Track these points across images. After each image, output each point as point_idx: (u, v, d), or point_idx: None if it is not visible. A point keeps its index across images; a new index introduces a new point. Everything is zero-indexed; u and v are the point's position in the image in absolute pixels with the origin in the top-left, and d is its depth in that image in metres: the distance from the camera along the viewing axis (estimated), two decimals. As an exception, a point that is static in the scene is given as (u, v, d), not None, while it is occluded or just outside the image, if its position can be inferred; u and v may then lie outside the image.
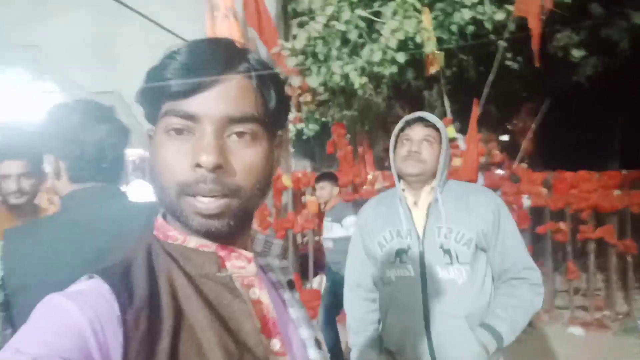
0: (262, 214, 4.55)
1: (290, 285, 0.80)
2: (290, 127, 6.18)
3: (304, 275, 5.02)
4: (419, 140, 1.66)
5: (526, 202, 4.80)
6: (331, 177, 4.16)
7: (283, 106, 0.69)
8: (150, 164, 0.65)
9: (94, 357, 0.52)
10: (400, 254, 1.66)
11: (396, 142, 1.73)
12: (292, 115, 5.26)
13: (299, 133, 9.61)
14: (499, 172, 5.33)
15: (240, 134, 0.62)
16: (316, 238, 6.11)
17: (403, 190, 1.73)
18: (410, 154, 1.64)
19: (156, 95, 0.63)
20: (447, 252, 1.60)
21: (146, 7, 4.47)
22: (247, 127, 0.62)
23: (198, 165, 0.59)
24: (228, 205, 0.61)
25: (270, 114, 0.66)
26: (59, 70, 5.04)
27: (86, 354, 0.51)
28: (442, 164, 1.66)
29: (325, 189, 4.11)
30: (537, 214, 4.84)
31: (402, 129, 1.70)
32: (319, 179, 4.14)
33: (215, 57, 0.63)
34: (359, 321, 1.80)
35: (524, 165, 5.36)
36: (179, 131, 0.61)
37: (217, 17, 4.37)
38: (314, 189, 4.87)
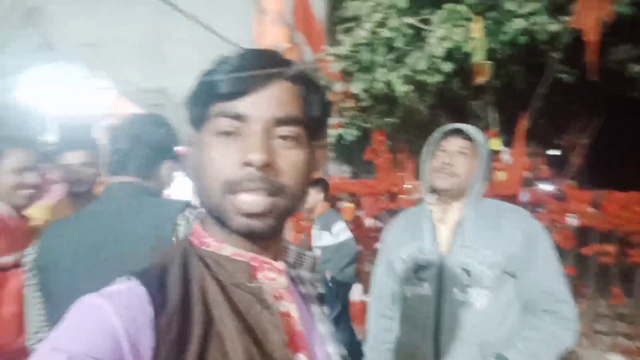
0: (297, 218, 4.56)
1: (320, 299, 0.81)
2: (331, 131, 6.19)
3: (336, 281, 4.99)
4: (453, 153, 1.56)
5: (572, 221, 4.60)
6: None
7: (325, 114, 0.71)
8: (195, 166, 0.67)
9: (126, 358, 0.53)
10: (418, 270, 1.57)
11: (431, 153, 1.64)
12: (334, 120, 5.26)
13: (339, 138, 9.62)
14: (546, 187, 5.13)
15: (285, 136, 0.64)
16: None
17: (431, 204, 1.64)
18: (443, 167, 1.55)
19: (207, 97, 0.66)
20: (468, 273, 1.48)
21: (197, 10, 4.60)
22: (292, 130, 0.65)
23: (247, 164, 0.61)
24: (272, 204, 0.62)
25: (313, 119, 0.69)
26: (113, 67, 5.25)
27: (119, 355, 0.53)
28: (477, 178, 1.55)
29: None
30: (583, 235, 4.63)
31: (437, 140, 1.62)
32: None
33: (264, 64, 0.66)
34: (374, 338, 1.72)
35: (573, 182, 5.14)
36: (227, 132, 0.63)
37: (264, 21, 4.43)
38: (350, 196, 4.85)
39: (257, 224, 0.63)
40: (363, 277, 4.82)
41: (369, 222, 5.47)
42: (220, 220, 0.64)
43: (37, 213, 2.00)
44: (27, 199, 1.79)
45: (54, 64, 6.79)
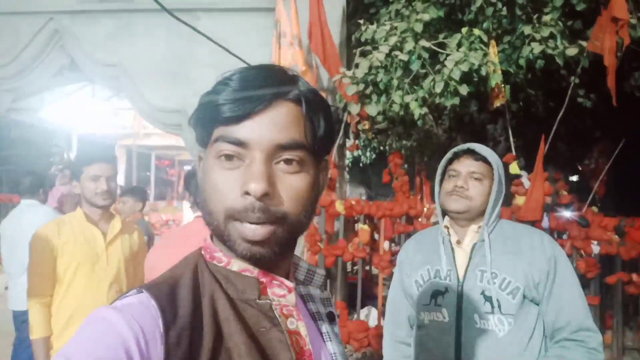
0: (313, 238, 4.54)
1: (330, 317, 0.79)
2: (348, 154, 6.20)
3: (351, 305, 4.92)
4: (466, 175, 1.52)
5: (595, 248, 4.46)
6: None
7: (331, 133, 0.70)
8: (201, 188, 0.67)
9: None
10: (436, 295, 1.52)
11: (444, 174, 1.61)
12: (350, 142, 5.26)
13: (356, 160, 9.61)
14: (567, 213, 5.01)
15: (288, 161, 0.63)
16: (366, 267, 6.01)
17: (446, 227, 1.59)
18: (456, 190, 1.51)
19: (208, 120, 0.65)
20: (488, 299, 1.43)
21: (217, 32, 4.71)
22: (296, 154, 0.64)
23: (247, 193, 0.60)
24: (274, 233, 0.62)
25: (318, 141, 0.67)
26: (134, 88, 5.37)
27: None
28: (493, 201, 1.51)
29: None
30: (607, 262, 4.48)
31: (449, 161, 1.58)
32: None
33: (267, 84, 0.64)
34: None
35: (595, 208, 5.01)
36: (229, 157, 0.63)
37: (282, 43, 4.50)
38: (366, 217, 4.81)
39: (260, 251, 0.62)
40: (381, 302, 4.74)
41: (385, 245, 5.41)
42: (225, 244, 0.65)
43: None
44: (104, 201, 2.28)
45: (77, 85, 7.00)
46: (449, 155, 1.60)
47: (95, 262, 2.30)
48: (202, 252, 0.70)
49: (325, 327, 0.77)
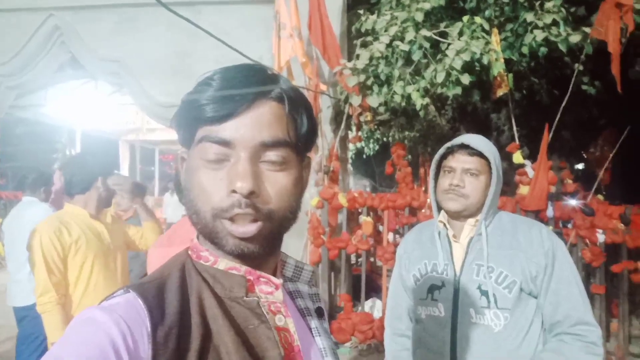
0: (316, 231, 4.54)
1: (319, 313, 0.80)
2: (350, 146, 6.18)
3: (355, 297, 4.92)
4: (461, 171, 1.47)
5: (601, 237, 4.42)
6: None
7: (313, 130, 0.71)
8: (186, 188, 0.67)
9: None
10: (432, 290, 1.50)
11: (439, 169, 1.57)
12: (352, 134, 5.24)
13: (359, 152, 9.58)
14: (573, 202, 4.97)
15: (272, 159, 0.64)
16: (371, 259, 6.01)
17: (442, 222, 1.55)
18: (451, 188, 1.47)
19: (191, 120, 0.66)
20: (484, 293, 1.41)
21: (219, 26, 4.68)
22: (280, 153, 0.65)
23: (234, 191, 0.61)
24: (261, 229, 0.63)
25: (301, 138, 0.68)
26: (136, 84, 5.36)
27: None
28: (491, 198, 1.46)
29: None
30: (612, 251, 4.45)
31: (444, 156, 1.53)
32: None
33: (248, 83, 0.65)
34: (392, 357, 1.65)
35: (600, 197, 4.97)
36: (214, 158, 0.63)
37: (282, 35, 4.48)
38: (369, 209, 4.80)
39: (248, 246, 0.63)
40: (385, 294, 4.74)
41: (390, 236, 5.41)
42: (213, 242, 0.65)
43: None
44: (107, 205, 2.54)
45: (79, 81, 7.01)
46: (442, 150, 1.55)
47: (108, 255, 2.37)
48: (189, 252, 0.70)
49: (314, 323, 0.77)
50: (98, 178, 2.39)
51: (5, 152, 9.02)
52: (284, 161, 0.65)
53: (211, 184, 0.63)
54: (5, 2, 5.51)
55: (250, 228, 0.62)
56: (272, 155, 0.64)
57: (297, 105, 0.68)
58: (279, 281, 0.69)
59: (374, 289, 5.35)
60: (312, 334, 0.75)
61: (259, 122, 0.63)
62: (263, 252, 0.65)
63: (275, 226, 0.64)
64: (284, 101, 0.66)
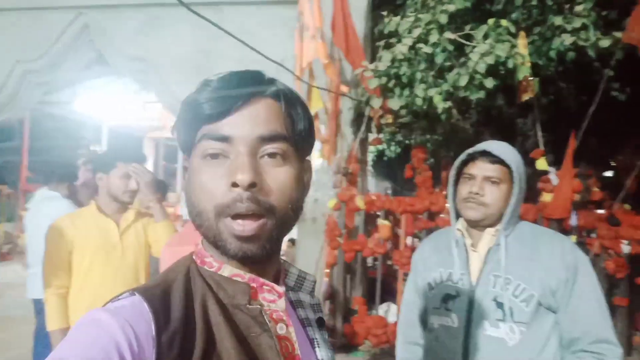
0: (332, 233, 4.52)
1: (320, 323, 0.80)
2: (371, 148, 6.13)
3: (370, 300, 4.89)
4: (482, 179, 1.43)
5: (625, 248, 4.29)
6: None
7: (310, 130, 0.72)
8: (188, 191, 0.68)
9: None
10: (446, 300, 1.46)
11: (458, 176, 1.52)
12: (372, 136, 5.20)
13: (380, 154, 9.51)
14: (598, 211, 4.83)
15: (272, 154, 0.65)
16: (388, 262, 5.95)
17: (460, 230, 1.51)
18: (471, 196, 1.43)
19: (191, 120, 0.67)
20: (500, 306, 1.37)
21: (242, 26, 4.71)
22: (278, 147, 0.66)
23: (234, 185, 0.62)
24: (263, 226, 0.63)
25: (298, 134, 0.69)
26: (161, 82, 5.44)
27: None
28: (512, 207, 1.42)
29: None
30: (637, 262, 4.31)
31: (464, 163, 1.49)
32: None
33: (245, 83, 0.67)
34: None
35: (627, 206, 4.81)
36: (214, 155, 0.65)
37: (305, 37, 4.47)
38: (388, 213, 4.76)
39: (250, 248, 0.63)
40: (400, 298, 4.69)
41: (408, 240, 5.35)
42: (216, 245, 0.65)
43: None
44: (129, 198, 2.44)
45: (106, 78, 7.15)
46: (462, 156, 1.51)
47: (110, 252, 2.37)
48: (194, 257, 0.71)
49: (314, 333, 0.77)
50: (117, 164, 2.38)
51: (34, 147, 9.29)
52: (284, 157, 0.66)
53: (212, 181, 0.64)
54: (35, 0, 5.66)
55: (253, 225, 0.63)
56: (271, 148, 0.65)
57: (293, 104, 0.70)
58: (281, 290, 0.70)
59: (390, 293, 5.30)
60: (313, 344, 0.76)
61: (256, 117, 0.65)
62: (264, 253, 0.65)
63: (277, 223, 0.65)
64: (280, 99, 0.68)
